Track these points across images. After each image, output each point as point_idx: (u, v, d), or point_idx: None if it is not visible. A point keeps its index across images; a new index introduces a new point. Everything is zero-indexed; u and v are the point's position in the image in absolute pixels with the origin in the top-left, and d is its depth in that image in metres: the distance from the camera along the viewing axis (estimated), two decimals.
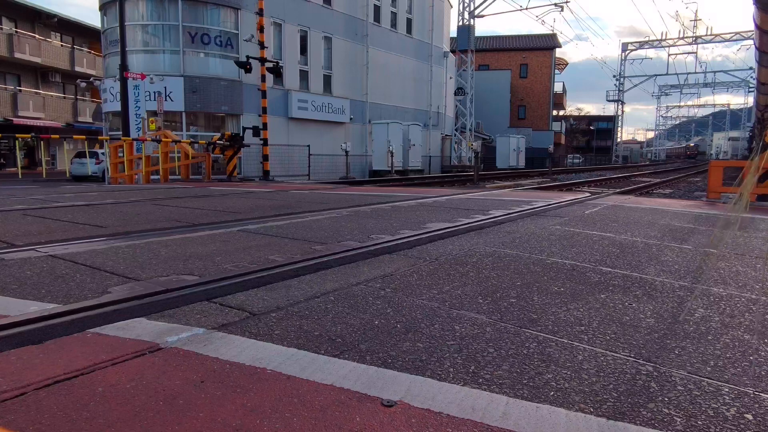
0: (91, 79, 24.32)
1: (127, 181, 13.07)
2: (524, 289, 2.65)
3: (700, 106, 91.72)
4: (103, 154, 19.01)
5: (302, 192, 9.04)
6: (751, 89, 59.87)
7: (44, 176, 18.34)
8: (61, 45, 32.73)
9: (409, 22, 28.09)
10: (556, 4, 30.49)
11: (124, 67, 14.28)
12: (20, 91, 29.89)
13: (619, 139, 64.78)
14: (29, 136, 16.79)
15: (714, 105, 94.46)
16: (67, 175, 18.35)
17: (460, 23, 31.64)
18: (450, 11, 32.40)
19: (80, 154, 22.06)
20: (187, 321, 2.09)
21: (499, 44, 48.74)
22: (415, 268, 3.06)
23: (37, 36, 30.61)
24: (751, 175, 4.43)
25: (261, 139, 15.21)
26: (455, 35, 32.89)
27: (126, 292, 2.43)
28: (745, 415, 1.44)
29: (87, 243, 3.71)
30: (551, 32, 49.85)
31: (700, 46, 53.02)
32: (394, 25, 27.01)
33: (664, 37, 53.11)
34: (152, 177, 13.11)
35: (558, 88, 51.77)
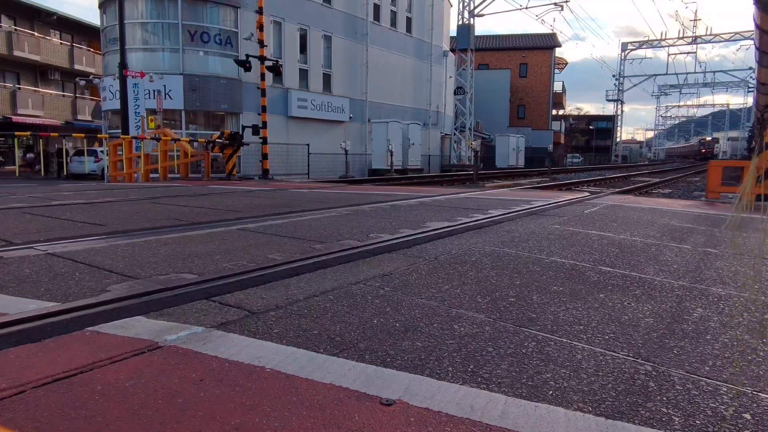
0: (90, 77, 24.32)
1: (126, 180, 13.06)
2: (523, 289, 2.66)
3: (699, 106, 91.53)
4: (102, 152, 19.02)
5: (301, 191, 9.04)
6: (750, 89, 59.81)
7: (42, 174, 18.31)
8: (61, 43, 32.68)
9: (408, 21, 28.08)
10: (555, 4, 30.50)
11: (123, 65, 14.26)
12: (19, 89, 29.85)
13: (618, 139, 64.78)
14: (28, 134, 16.77)
15: (713, 105, 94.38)
16: (65, 173, 18.32)
17: (460, 22, 31.64)
18: (450, 10, 32.39)
19: (79, 152, 22.08)
20: (186, 319, 2.09)
21: (499, 43, 48.74)
22: (415, 267, 3.06)
23: (36, 34, 30.56)
24: (751, 175, 4.44)
25: (260, 138, 15.19)
26: (455, 34, 32.89)
27: (125, 291, 2.42)
28: (743, 415, 1.44)
29: (86, 241, 3.71)
30: (551, 32, 49.86)
31: (698, 46, 53.03)
32: (393, 24, 26.99)
33: (663, 37, 53.12)
34: (151, 175, 13.09)
35: (557, 87, 51.78)
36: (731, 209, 6.19)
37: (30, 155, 24.45)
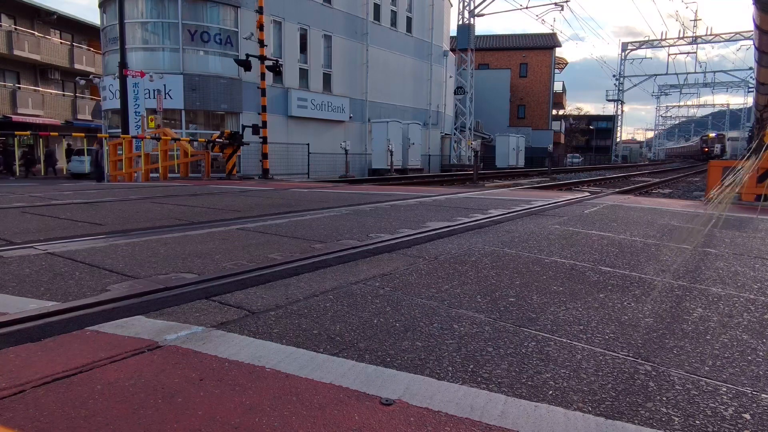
0: (90, 77, 24.30)
1: (126, 179, 13.06)
2: (523, 289, 2.66)
3: (699, 106, 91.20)
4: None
5: (301, 190, 9.04)
6: (750, 89, 59.67)
7: (42, 173, 18.31)
8: (61, 42, 32.66)
9: (409, 20, 28.07)
10: (555, 4, 30.51)
11: (123, 64, 14.25)
12: (19, 88, 29.83)
13: (618, 139, 64.78)
14: (28, 133, 16.80)
15: (713, 105, 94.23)
16: (64, 172, 18.32)
17: (460, 22, 31.64)
18: (450, 10, 32.39)
19: (79, 152, 22.09)
20: (185, 319, 2.09)
21: (499, 43, 48.72)
22: (414, 267, 3.06)
23: (36, 33, 30.55)
24: (745, 173, 4.43)
25: (260, 138, 15.20)
26: (455, 34, 32.89)
27: (125, 290, 2.42)
28: (743, 415, 1.44)
29: (86, 241, 3.71)
30: (551, 31, 49.88)
31: (698, 46, 53.04)
32: (393, 23, 26.98)
33: (663, 37, 53.16)
34: (151, 175, 13.10)
35: (558, 87, 51.79)
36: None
37: None
